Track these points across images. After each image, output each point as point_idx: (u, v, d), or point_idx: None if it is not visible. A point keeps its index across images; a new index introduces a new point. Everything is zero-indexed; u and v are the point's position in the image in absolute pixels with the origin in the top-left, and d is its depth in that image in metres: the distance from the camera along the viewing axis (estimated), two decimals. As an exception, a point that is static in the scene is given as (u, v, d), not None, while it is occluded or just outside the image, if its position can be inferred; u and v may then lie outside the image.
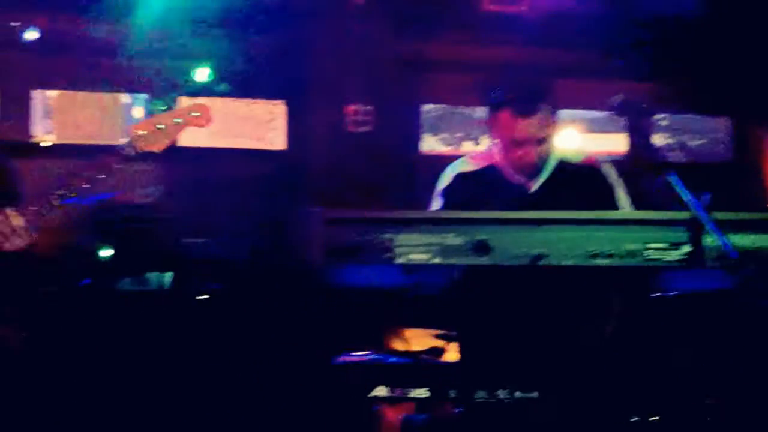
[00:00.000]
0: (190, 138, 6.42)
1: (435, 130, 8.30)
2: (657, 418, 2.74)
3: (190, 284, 5.21)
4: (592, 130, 7.21)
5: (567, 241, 2.60)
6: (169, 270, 5.15)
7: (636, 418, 2.81)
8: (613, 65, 6.23)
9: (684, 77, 6.54)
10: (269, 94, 6.69)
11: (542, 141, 3.22)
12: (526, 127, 3.17)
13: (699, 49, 6.43)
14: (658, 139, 7.74)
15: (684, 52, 6.39)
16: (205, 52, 6.14)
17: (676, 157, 8.39)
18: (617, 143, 6.90)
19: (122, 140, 3.20)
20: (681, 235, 2.54)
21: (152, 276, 5.08)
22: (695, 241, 2.48)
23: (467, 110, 8.86)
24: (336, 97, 6.39)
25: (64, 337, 4.44)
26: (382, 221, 2.59)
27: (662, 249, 2.54)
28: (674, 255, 2.53)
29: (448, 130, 9.09)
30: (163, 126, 3.15)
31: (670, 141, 8.66)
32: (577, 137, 6.55)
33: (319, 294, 2.80)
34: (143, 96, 6.69)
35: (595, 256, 2.57)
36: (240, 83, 6.41)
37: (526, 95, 3.19)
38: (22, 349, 3.45)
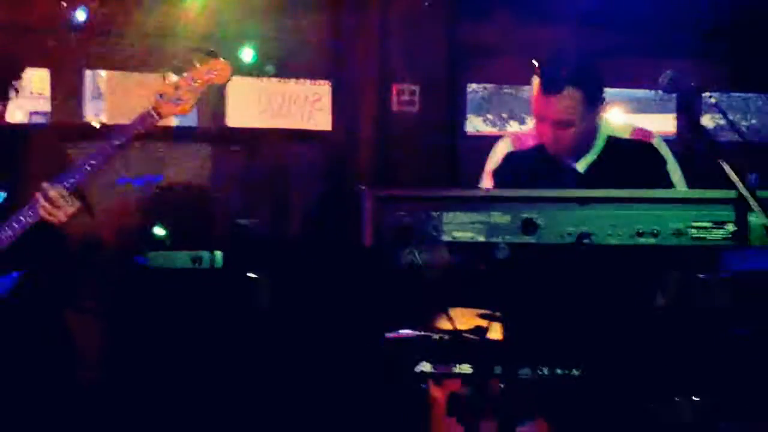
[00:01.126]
0: (239, 119, 6.56)
1: (480, 111, 8.30)
2: (699, 399, 2.78)
3: (241, 263, 5.33)
4: (641, 111, 7.22)
5: (612, 220, 2.61)
6: (220, 249, 5.26)
7: (679, 399, 2.85)
8: (664, 44, 6.24)
9: (736, 56, 6.53)
10: (315, 75, 6.79)
11: (569, 124, 3.22)
12: (550, 105, 3.19)
13: (750, 27, 6.41)
14: (708, 120, 7.70)
15: (736, 30, 6.37)
16: (252, 32, 6.22)
17: (726, 136, 8.35)
18: (666, 124, 6.90)
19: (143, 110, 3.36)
20: (727, 213, 2.56)
21: (205, 255, 5.19)
22: (740, 219, 2.50)
23: (513, 90, 8.86)
24: (382, 77, 6.41)
25: (124, 316, 4.55)
26: (430, 200, 2.63)
27: (707, 228, 2.56)
28: (719, 234, 2.55)
29: (494, 110, 9.09)
30: (182, 89, 3.32)
31: (720, 122, 8.60)
32: (625, 117, 6.57)
33: (370, 272, 2.87)
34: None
35: (639, 235, 2.59)
36: (286, 64, 6.49)
37: (552, 74, 3.20)
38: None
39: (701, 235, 2.56)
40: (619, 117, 6.46)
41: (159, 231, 5.38)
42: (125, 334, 4.77)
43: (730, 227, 2.55)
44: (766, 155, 7.08)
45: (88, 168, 3.36)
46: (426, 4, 6.17)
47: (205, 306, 5.06)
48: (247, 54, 6.14)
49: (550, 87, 3.19)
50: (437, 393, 3.70)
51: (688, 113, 2.77)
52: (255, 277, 5.25)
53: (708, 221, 2.56)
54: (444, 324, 3.13)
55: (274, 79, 6.82)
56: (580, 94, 3.20)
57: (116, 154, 3.37)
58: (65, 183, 3.32)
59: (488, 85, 7.70)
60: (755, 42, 6.46)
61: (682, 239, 2.57)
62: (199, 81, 3.37)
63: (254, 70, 6.42)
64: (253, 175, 5.95)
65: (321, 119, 6.84)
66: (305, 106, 6.95)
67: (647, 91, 6.93)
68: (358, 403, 4.67)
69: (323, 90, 6.83)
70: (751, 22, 6.34)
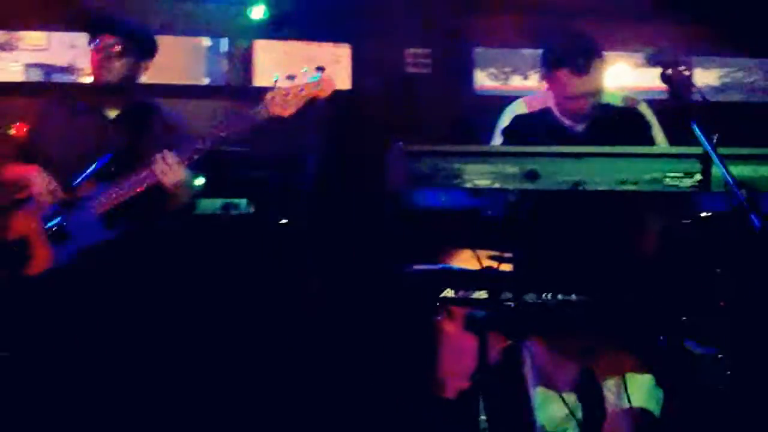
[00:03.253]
0: (259, 79, 6.95)
1: (484, 65, 8.58)
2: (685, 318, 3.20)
3: (271, 210, 5.76)
4: (637, 66, 7.53)
5: (601, 171, 3.06)
6: (250, 197, 5.71)
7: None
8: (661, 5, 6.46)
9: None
10: (335, 38, 7.12)
11: (597, 94, 3.67)
12: (583, 83, 3.61)
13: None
14: (705, 77, 8.01)
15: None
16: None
17: (729, 96, 8.68)
18: (655, 79, 7.28)
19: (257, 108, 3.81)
20: (694, 165, 3.01)
21: (240, 202, 5.60)
22: (704, 171, 2.97)
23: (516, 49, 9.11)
24: (397, 40, 6.77)
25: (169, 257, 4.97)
26: (453, 153, 3.09)
27: (678, 177, 3.00)
28: (688, 182, 3.00)
29: (497, 65, 9.39)
30: (290, 95, 3.74)
31: (726, 80, 8.97)
32: (624, 73, 6.95)
33: (400, 215, 3.31)
34: (224, 40, 7.24)
35: (623, 182, 3.04)
36: (308, 27, 6.87)
37: (582, 55, 3.58)
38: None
39: (674, 183, 3.01)
40: (620, 75, 6.86)
41: (198, 181, 5.83)
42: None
43: (697, 177, 3.00)
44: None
45: (199, 146, 3.83)
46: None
47: (237, 248, 5.51)
48: (258, 11, 6.47)
49: (582, 68, 3.58)
50: (448, 327, 4.25)
51: (672, 84, 3.21)
52: (285, 222, 5.74)
53: (679, 172, 3.02)
54: (464, 260, 3.61)
55: (297, 42, 7.16)
56: (603, 65, 3.66)
57: (223, 140, 3.83)
58: (180, 153, 3.80)
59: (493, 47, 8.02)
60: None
61: (657, 186, 3.02)
62: (305, 92, 3.77)
63: (276, 34, 6.83)
64: (280, 131, 6.36)
65: (340, 79, 7.22)
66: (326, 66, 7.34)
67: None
68: (384, 330, 5.18)
69: (343, 52, 7.11)
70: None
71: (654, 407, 3.67)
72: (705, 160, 2.99)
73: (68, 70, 8.56)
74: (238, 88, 6.73)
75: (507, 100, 4.13)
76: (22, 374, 3.93)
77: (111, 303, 3.94)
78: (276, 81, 3.84)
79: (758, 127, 4.09)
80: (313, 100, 3.86)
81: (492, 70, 8.91)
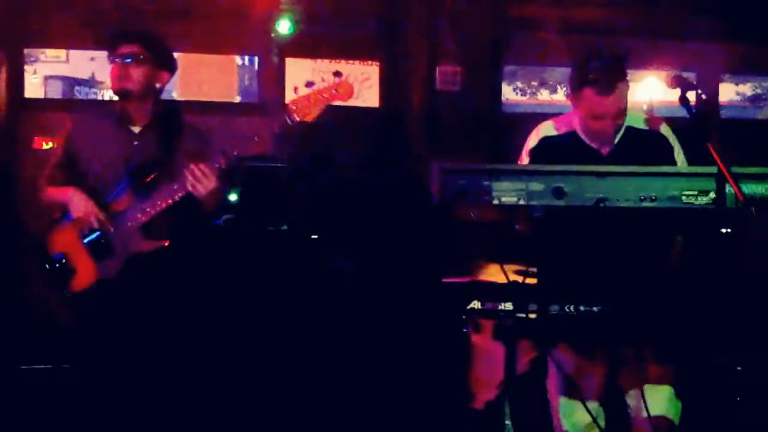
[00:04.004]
0: (289, 96, 7.10)
1: (511, 80, 8.65)
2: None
3: (304, 225, 5.97)
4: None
5: (623, 189, 3.21)
6: (286, 212, 5.91)
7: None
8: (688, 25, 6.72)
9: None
10: (365, 56, 7.29)
11: (620, 114, 3.77)
12: (607, 104, 3.70)
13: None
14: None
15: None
16: (309, 17, 6.74)
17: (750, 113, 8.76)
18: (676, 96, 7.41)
19: (281, 111, 3.95)
20: (709, 184, 3.16)
21: (273, 217, 5.84)
22: (719, 189, 3.11)
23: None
24: (427, 58, 6.96)
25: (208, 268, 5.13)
26: (483, 171, 3.24)
27: (693, 195, 3.16)
28: (703, 200, 3.16)
29: (524, 79, 9.46)
30: (312, 100, 3.89)
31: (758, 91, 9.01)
32: (653, 87, 7.05)
33: (435, 228, 3.47)
34: (254, 58, 7.45)
35: (643, 200, 3.20)
36: (339, 46, 7.04)
37: (606, 76, 3.67)
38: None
39: (689, 201, 3.18)
40: (651, 92, 6.93)
41: (232, 197, 6.03)
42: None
43: (712, 195, 3.15)
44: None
45: (227, 153, 3.93)
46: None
47: (271, 259, 5.72)
48: (284, 26, 6.70)
49: (607, 89, 3.68)
50: (477, 339, 4.37)
51: (686, 106, 3.36)
52: (316, 237, 5.93)
53: (695, 190, 3.18)
54: (491, 273, 3.75)
55: (326, 60, 7.35)
56: (627, 84, 3.77)
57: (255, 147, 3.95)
58: (210, 163, 3.91)
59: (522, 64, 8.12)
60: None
61: (676, 203, 3.18)
62: (326, 96, 3.91)
63: (309, 52, 7.00)
64: (312, 146, 6.48)
65: (369, 97, 7.29)
66: (355, 84, 7.50)
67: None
68: (418, 338, 5.34)
69: (372, 70, 7.32)
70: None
71: (674, 416, 3.81)
72: (720, 179, 3.13)
73: (88, 82, 8.75)
74: (270, 105, 6.89)
75: (534, 117, 4.28)
76: (83, 384, 4.15)
77: (154, 310, 4.11)
78: (297, 90, 3.99)
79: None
80: (332, 102, 3.97)
81: (518, 83, 8.96)
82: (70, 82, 8.76)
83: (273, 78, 7.08)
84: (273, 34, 6.75)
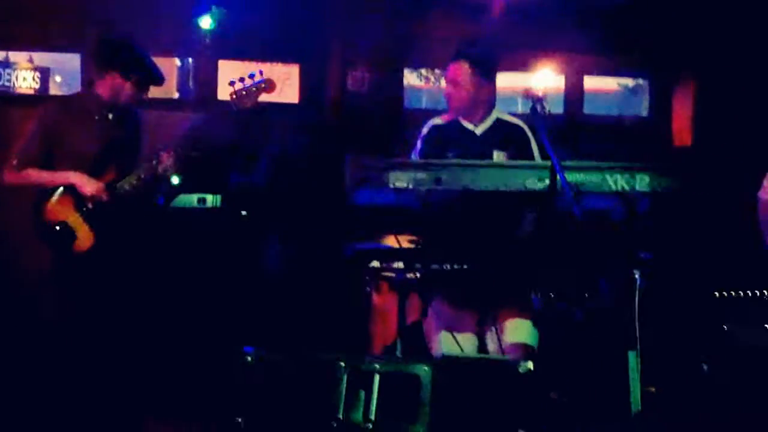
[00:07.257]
0: (224, 92, 7.72)
1: (414, 68, 9.19)
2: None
3: (235, 204, 6.65)
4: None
5: (486, 177, 4.07)
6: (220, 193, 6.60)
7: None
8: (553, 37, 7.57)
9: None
10: (286, 59, 8.03)
11: (456, 84, 4.71)
12: (449, 70, 4.74)
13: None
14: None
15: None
16: (240, 24, 7.41)
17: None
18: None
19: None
20: (546, 174, 4.05)
21: (209, 197, 6.53)
22: (552, 177, 4.04)
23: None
24: (340, 62, 7.78)
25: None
26: (383, 163, 4.10)
27: (534, 182, 4.08)
28: (541, 185, 4.08)
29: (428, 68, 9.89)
30: (246, 91, 4.85)
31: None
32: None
33: (346, 208, 4.15)
34: (190, 60, 8.13)
35: (504, 184, 4.09)
36: (263, 48, 7.75)
37: (459, 48, 4.77)
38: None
39: (532, 186, 4.10)
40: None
41: (175, 179, 6.77)
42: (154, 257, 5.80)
43: (547, 181, 4.07)
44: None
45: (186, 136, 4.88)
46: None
47: (206, 235, 6.41)
48: (206, 22, 7.24)
49: (453, 56, 4.70)
50: (376, 298, 5.09)
51: (534, 114, 4.47)
52: (245, 214, 6.63)
53: (535, 178, 4.10)
54: (389, 241, 4.47)
55: (253, 62, 8.06)
56: (468, 65, 4.70)
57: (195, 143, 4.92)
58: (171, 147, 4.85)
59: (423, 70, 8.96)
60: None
61: (521, 187, 4.09)
62: (254, 89, 4.86)
63: (238, 54, 7.71)
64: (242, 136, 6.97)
65: (289, 94, 7.98)
66: (277, 82, 8.16)
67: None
68: (329, 296, 6.19)
69: (292, 71, 8.03)
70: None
71: (533, 342, 4.65)
72: (552, 171, 4.10)
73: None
74: (204, 101, 7.63)
75: (432, 114, 5.08)
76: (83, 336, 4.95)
77: (129, 276, 5.03)
78: (231, 83, 4.93)
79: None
80: (260, 95, 4.87)
81: (422, 71, 9.45)
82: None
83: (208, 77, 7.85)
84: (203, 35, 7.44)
